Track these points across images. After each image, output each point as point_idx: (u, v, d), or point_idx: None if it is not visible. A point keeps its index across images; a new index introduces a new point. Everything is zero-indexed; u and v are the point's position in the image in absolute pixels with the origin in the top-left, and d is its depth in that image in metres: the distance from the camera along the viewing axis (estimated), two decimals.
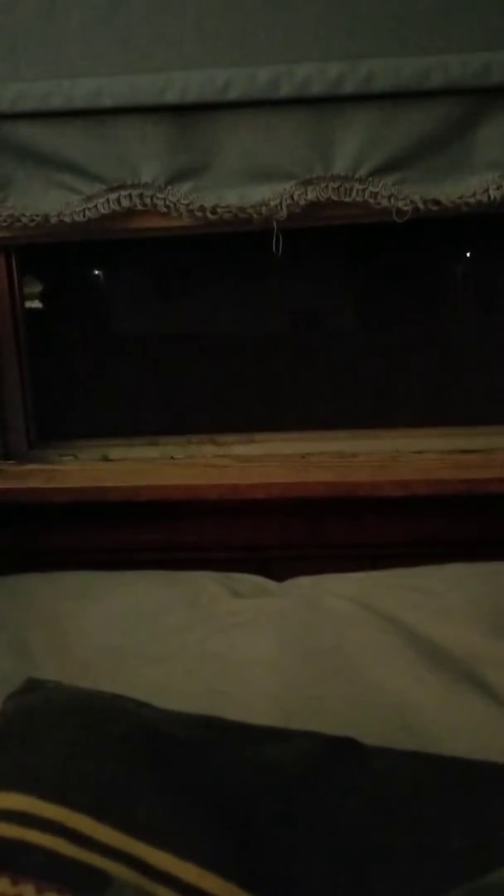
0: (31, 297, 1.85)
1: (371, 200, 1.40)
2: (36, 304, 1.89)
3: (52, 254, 1.79)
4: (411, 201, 1.40)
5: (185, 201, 1.42)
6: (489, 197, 1.39)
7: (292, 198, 1.42)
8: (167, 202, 1.43)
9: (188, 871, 0.66)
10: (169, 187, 1.42)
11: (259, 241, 1.47)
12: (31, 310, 1.81)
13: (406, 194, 1.40)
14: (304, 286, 1.97)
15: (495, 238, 1.85)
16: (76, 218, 1.44)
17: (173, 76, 1.35)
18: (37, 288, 1.90)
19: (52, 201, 1.44)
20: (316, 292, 2.01)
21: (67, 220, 1.44)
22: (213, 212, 1.43)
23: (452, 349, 2.00)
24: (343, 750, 0.89)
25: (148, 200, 1.43)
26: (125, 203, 1.43)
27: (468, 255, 2.00)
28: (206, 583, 1.45)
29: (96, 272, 2.07)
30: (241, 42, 1.34)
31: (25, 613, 1.35)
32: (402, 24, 1.31)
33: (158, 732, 0.83)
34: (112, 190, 1.43)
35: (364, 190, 1.40)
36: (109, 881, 0.63)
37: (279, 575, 1.52)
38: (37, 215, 1.45)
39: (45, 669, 1.14)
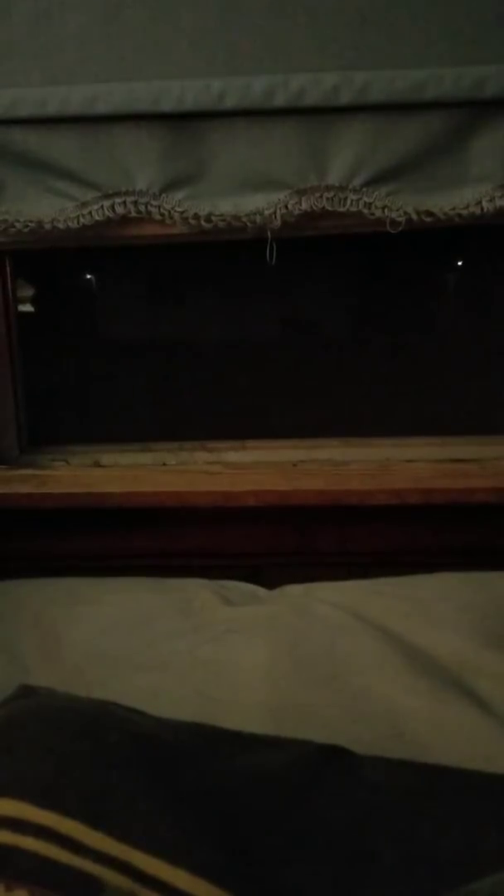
0: (23, 301, 1.85)
1: (365, 211, 1.41)
2: (27, 307, 1.89)
3: (45, 258, 1.80)
4: (405, 212, 1.41)
5: (180, 209, 1.43)
6: (482, 209, 1.40)
7: (286, 207, 1.43)
8: (162, 210, 1.43)
9: (180, 878, 0.66)
10: (163, 195, 1.42)
11: (253, 249, 1.47)
12: (22, 314, 1.81)
13: (400, 205, 1.41)
14: (298, 295, 1.98)
15: (487, 248, 1.87)
16: (70, 224, 1.44)
17: (169, 84, 1.35)
18: (28, 292, 1.89)
19: (47, 207, 1.44)
20: (309, 301, 2.02)
21: (61, 226, 1.44)
22: (208, 220, 1.44)
23: (444, 358, 2.01)
24: (333, 758, 0.89)
25: (142, 208, 1.43)
26: (119, 210, 1.43)
27: (460, 264, 2.01)
28: (198, 590, 1.45)
29: (88, 277, 2.08)
30: (236, 51, 1.35)
31: (17, 619, 1.35)
32: (398, 37, 1.32)
33: (150, 739, 0.83)
34: (106, 197, 1.43)
35: (358, 200, 1.41)
36: (102, 887, 0.63)
37: (270, 582, 1.52)
38: (31, 221, 1.45)
39: (37, 676, 1.14)
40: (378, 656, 1.20)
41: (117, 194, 1.42)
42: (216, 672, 1.18)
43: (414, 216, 1.41)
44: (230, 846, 0.71)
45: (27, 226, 1.45)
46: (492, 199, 1.40)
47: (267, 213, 1.43)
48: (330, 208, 1.41)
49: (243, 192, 1.43)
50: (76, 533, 1.63)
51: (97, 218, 1.43)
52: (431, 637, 1.26)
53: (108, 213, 1.43)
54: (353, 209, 1.41)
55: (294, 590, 1.48)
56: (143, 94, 1.35)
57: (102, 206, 1.43)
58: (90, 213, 1.43)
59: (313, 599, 1.40)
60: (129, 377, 2.10)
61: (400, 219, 1.41)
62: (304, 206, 1.42)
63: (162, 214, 1.43)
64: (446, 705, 1.08)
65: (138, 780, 0.75)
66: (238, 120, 1.38)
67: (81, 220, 1.43)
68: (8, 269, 1.69)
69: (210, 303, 2.01)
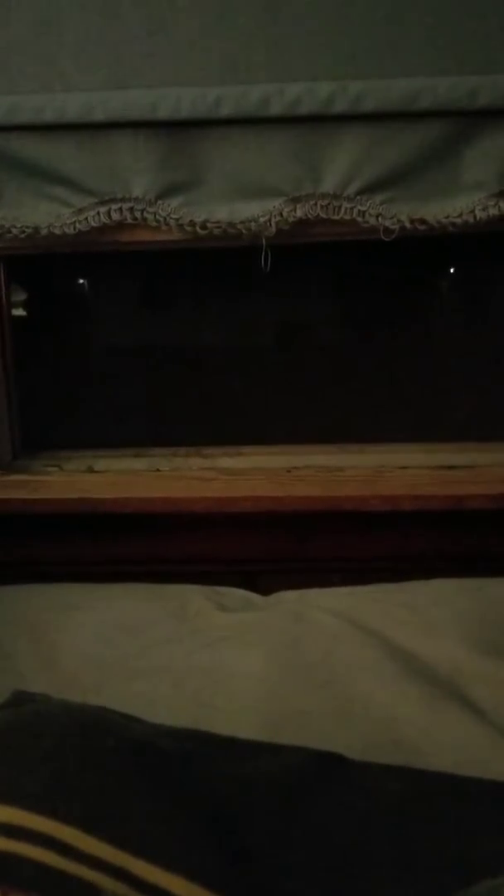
0: (16, 306, 1.85)
1: (359, 219, 1.42)
2: (20, 312, 1.89)
3: (37, 262, 1.80)
4: (398, 220, 1.42)
5: (176, 216, 1.44)
6: (475, 217, 1.41)
7: (281, 215, 1.44)
8: (157, 216, 1.44)
9: (177, 884, 0.66)
10: (159, 202, 1.43)
11: (247, 254, 1.48)
12: (15, 318, 1.81)
13: (393, 213, 1.42)
14: (292, 300, 1.98)
15: (481, 255, 1.88)
16: (67, 230, 1.45)
17: (165, 92, 1.36)
18: (21, 296, 1.89)
19: (43, 213, 1.45)
20: (303, 306, 2.02)
21: (58, 232, 1.45)
22: (203, 227, 1.44)
23: (438, 365, 2.01)
24: (329, 764, 0.89)
25: (138, 214, 1.44)
26: (116, 216, 1.44)
27: (452, 271, 2.02)
28: (193, 596, 1.45)
29: (81, 281, 2.07)
30: (233, 60, 1.36)
31: (11, 625, 1.35)
32: (392, 47, 1.33)
33: (147, 745, 0.83)
34: (103, 203, 1.44)
35: (352, 208, 1.42)
36: (99, 894, 0.63)
37: (265, 589, 1.52)
38: (28, 227, 1.45)
39: (32, 682, 1.14)
40: (373, 663, 1.20)
41: (113, 201, 1.43)
42: (211, 678, 1.17)
43: (407, 224, 1.42)
44: (227, 852, 0.71)
45: (24, 231, 1.45)
46: (485, 208, 1.41)
47: (262, 220, 1.44)
48: (324, 216, 1.43)
49: (238, 199, 1.44)
50: (70, 539, 1.63)
51: (93, 224, 1.44)
52: (427, 644, 1.26)
53: (105, 220, 1.44)
54: (347, 217, 1.43)
55: (289, 596, 1.47)
56: (140, 101, 1.36)
57: (99, 213, 1.43)
58: (86, 219, 1.44)
59: (308, 606, 1.40)
60: (123, 382, 2.09)
61: (393, 227, 1.42)
62: (299, 213, 1.43)
63: (158, 221, 1.44)
64: (442, 712, 1.08)
65: (135, 786, 0.75)
66: (234, 128, 1.39)
67: (78, 226, 1.44)
68: (1, 274, 1.69)
69: (204, 308, 2.01)
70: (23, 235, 1.46)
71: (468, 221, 1.42)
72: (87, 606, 1.41)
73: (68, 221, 1.44)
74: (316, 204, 1.42)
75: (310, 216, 1.43)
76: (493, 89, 1.33)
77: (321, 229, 1.47)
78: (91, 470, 1.76)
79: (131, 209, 1.43)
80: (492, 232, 1.48)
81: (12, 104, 1.36)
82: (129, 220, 1.44)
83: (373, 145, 1.38)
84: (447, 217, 1.42)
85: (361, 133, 1.38)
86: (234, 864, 0.71)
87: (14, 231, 1.46)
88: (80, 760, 0.76)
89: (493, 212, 1.41)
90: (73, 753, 0.77)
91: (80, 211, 1.44)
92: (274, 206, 1.43)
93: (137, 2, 1.33)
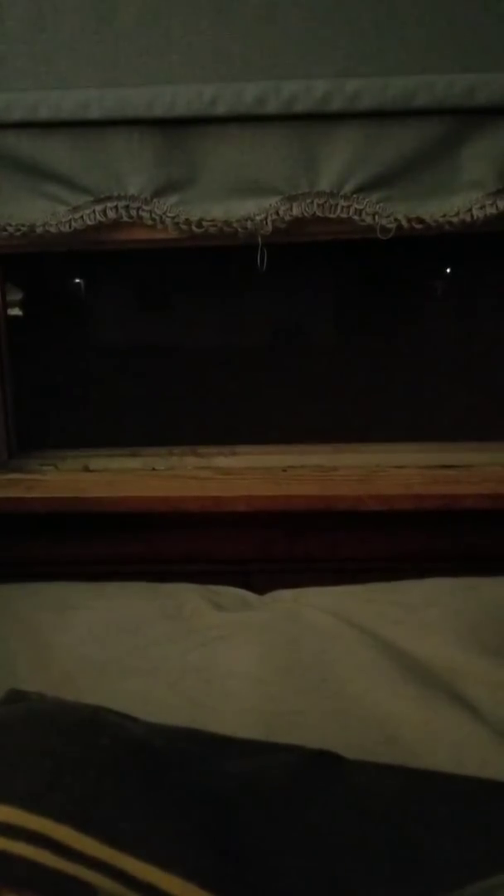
0: (12, 305, 1.85)
1: (355, 217, 1.42)
2: (16, 311, 1.89)
3: (34, 262, 1.79)
4: (395, 219, 1.42)
5: (171, 214, 1.43)
6: (472, 216, 1.41)
7: (277, 213, 1.43)
8: (153, 215, 1.43)
9: (172, 884, 0.66)
10: (155, 200, 1.43)
11: (243, 254, 1.48)
12: (11, 318, 1.80)
13: (390, 212, 1.42)
14: (287, 300, 1.98)
15: (475, 255, 1.88)
16: (62, 228, 1.44)
17: (161, 90, 1.36)
18: (17, 296, 1.89)
19: (39, 211, 1.44)
20: (299, 306, 2.02)
21: (53, 230, 1.44)
22: (199, 225, 1.44)
23: (433, 365, 2.02)
24: (324, 763, 0.89)
25: (134, 212, 1.43)
26: (111, 215, 1.43)
27: (448, 271, 2.02)
28: (188, 595, 1.44)
29: (77, 281, 2.07)
30: (228, 57, 1.35)
31: (6, 624, 1.34)
32: (389, 44, 1.33)
33: (142, 744, 0.83)
34: (98, 201, 1.43)
35: (349, 207, 1.42)
36: (94, 893, 0.63)
37: (260, 588, 1.52)
38: (23, 225, 1.45)
39: (27, 681, 1.13)
40: (368, 662, 1.20)
41: (109, 199, 1.42)
42: (206, 678, 1.17)
43: (404, 223, 1.42)
44: (222, 852, 0.71)
45: (19, 229, 1.45)
46: (482, 207, 1.40)
47: (258, 218, 1.43)
48: (321, 214, 1.42)
49: (235, 197, 1.44)
50: (65, 538, 1.63)
51: (89, 222, 1.43)
52: (422, 643, 1.26)
53: (100, 218, 1.43)
54: (344, 215, 1.42)
55: (284, 595, 1.47)
56: (136, 99, 1.35)
57: (94, 211, 1.43)
58: (82, 217, 1.43)
59: (304, 605, 1.40)
60: (119, 382, 2.10)
61: (390, 225, 1.42)
62: (295, 212, 1.42)
63: (153, 219, 1.43)
64: (436, 711, 1.08)
65: (130, 785, 0.75)
66: (230, 126, 1.39)
67: (73, 224, 1.43)
68: None
69: (200, 308, 2.01)
70: (18, 234, 1.45)
71: (465, 221, 1.41)
72: (82, 605, 1.40)
73: (64, 220, 1.43)
74: (312, 202, 1.42)
75: (306, 215, 1.42)
76: (491, 87, 1.33)
77: (317, 228, 1.47)
78: (87, 469, 1.76)
79: (127, 207, 1.43)
80: (489, 232, 1.48)
81: (7, 101, 1.35)
82: (125, 219, 1.44)
83: (369, 143, 1.38)
84: (444, 216, 1.42)
85: (358, 131, 1.37)
86: (229, 864, 0.71)
87: (9, 229, 1.45)
88: (76, 759, 0.76)
89: (490, 211, 1.40)
90: (68, 752, 0.77)
91: (76, 209, 1.43)
92: (270, 205, 1.43)
93: None
